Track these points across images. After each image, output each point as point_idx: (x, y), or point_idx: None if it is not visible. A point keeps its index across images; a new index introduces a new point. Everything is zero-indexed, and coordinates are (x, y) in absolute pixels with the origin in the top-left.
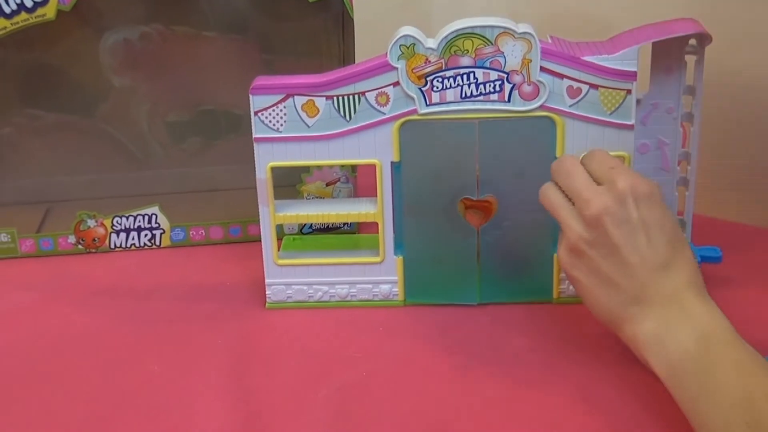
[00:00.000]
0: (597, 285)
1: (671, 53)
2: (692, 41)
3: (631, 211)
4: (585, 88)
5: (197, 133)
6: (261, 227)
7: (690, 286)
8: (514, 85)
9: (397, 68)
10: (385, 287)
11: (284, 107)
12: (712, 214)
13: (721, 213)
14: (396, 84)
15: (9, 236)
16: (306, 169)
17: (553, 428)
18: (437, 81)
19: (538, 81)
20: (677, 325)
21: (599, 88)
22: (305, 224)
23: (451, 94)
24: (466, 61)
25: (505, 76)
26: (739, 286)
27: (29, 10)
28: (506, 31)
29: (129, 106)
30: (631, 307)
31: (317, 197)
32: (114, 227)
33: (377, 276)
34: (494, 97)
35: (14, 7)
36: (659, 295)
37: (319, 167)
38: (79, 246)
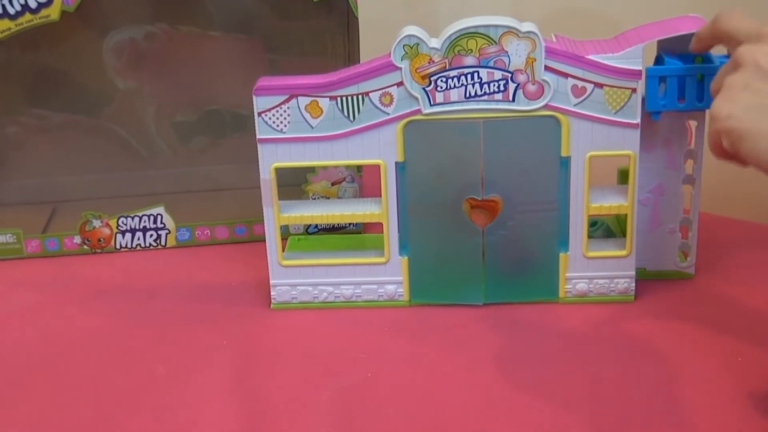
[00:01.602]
0: None
1: (676, 51)
2: None
3: None
4: (590, 87)
5: (203, 132)
6: (265, 228)
7: None
8: (518, 84)
9: (400, 68)
10: (390, 288)
11: (288, 108)
12: (718, 212)
13: (727, 211)
14: (400, 84)
15: (15, 237)
16: (311, 169)
17: (560, 428)
18: (441, 81)
19: (543, 80)
20: None
21: (604, 86)
22: (311, 224)
23: (455, 94)
24: (470, 60)
25: (510, 75)
26: (745, 283)
27: (33, 11)
28: (510, 31)
29: (135, 106)
30: None
31: (322, 197)
32: (119, 227)
33: (382, 276)
34: (498, 96)
35: (18, 8)
36: None
37: (324, 167)
38: (85, 246)
